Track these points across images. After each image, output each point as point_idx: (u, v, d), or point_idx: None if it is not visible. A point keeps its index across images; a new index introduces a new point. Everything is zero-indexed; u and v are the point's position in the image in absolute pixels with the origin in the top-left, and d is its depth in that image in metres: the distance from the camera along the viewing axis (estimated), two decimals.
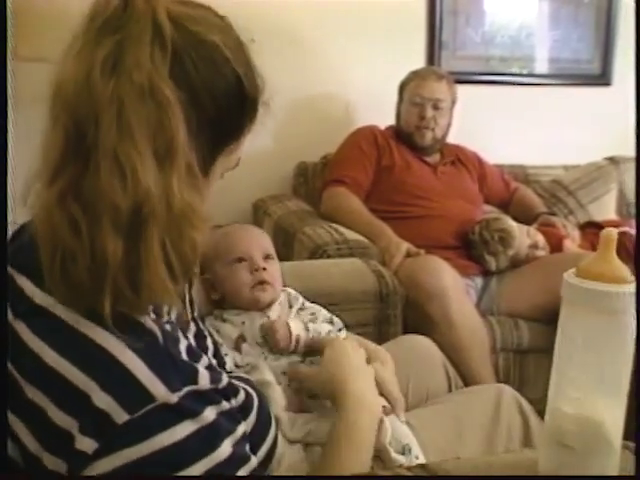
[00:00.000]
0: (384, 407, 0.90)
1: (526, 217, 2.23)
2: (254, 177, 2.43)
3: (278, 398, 0.89)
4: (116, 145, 0.58)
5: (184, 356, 0.64)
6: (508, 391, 1.12)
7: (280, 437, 0.83)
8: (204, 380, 0.62)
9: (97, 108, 0.59)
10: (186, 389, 0.60)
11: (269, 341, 0.95)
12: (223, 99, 0.66)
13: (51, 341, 0.60)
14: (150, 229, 0.59)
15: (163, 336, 0.62)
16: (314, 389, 0.91)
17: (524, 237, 2.00)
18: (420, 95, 2.17)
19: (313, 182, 2.39)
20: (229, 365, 0.91)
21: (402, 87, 2.26)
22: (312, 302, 1.08)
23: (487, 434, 1.03)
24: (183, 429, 0.59)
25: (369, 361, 0.93)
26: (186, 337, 0.71)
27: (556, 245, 2.06)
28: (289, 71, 2.39)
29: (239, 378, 0.77)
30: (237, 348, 0.96)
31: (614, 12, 2.78)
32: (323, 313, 1.05)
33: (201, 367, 0.64)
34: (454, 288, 1.73)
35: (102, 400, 0.57)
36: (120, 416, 0.57)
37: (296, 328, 0.97)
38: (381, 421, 0.87)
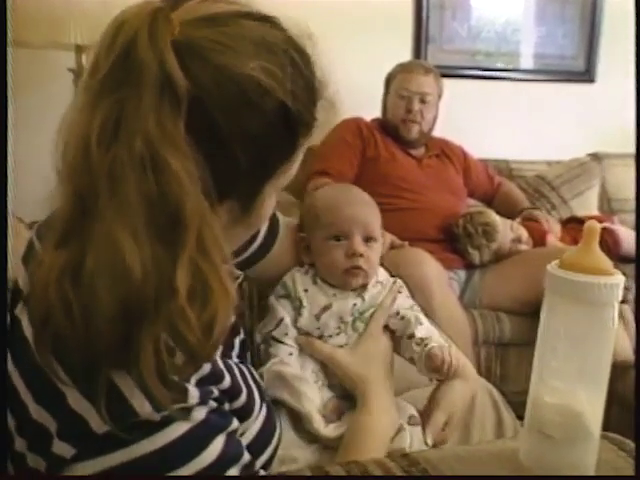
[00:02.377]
0: (412, 417, 0.90)
1: (510, 212, 2.24)
2: None
3: (311, 395, 0.85)
4: (110, 228, 0.52)
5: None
6: (479, 381, 1.12)
7: (296, 438, 0.82)
8: (193, 399, 0.59)
9: (95, 182, 0.52)
10: (173, 407, 0.57)
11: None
12: (263, 135, 0.58)
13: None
14: (143, 328, 0.52)
15: None
16: (341, 377, 0.88)
17: (507, 231, 2.02)
18: (407, 88, 2.17)
19: (297, 173, 2.38)
20: (289, 343, 0.88)
21: (388, 80, 2.26)
22: None
23: (463, 424, 1.04)
24: (172, 432, 0.57)
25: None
26: None
27: (539, 240, 2.08)
28: None
29: (246, 382, 0.73)
30: (317, 316, 0.90)
31: (599, 9, 2.80)
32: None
33: (191, 385, 0.60)
34: (437, 280, 1.74)
35: (79, 404, 0.55)
36: (99, 426, 0.55)
37: None
38: (401, 427, 0.87)
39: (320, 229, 0.93)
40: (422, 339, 0.90)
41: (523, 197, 2.40)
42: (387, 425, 0.85)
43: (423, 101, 2.17)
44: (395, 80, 2.22)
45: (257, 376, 0.80)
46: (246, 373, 0.75)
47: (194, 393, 0.60)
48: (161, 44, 0.53)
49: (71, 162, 0.54)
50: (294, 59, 0.60)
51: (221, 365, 0.67)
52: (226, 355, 0.76)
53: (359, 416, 0.84)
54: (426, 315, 0.99)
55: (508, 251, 2.01)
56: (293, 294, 0.92)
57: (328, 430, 0.83)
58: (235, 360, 0.77)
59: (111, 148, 0.52)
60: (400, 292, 0.97)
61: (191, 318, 0.53)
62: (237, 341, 0.82)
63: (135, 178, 0.52)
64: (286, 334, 0.89)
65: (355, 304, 0.91)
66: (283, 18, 0.62)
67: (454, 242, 2.03)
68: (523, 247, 2.02)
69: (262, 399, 0.75)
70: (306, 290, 0.92)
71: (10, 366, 0.59)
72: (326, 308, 0.90)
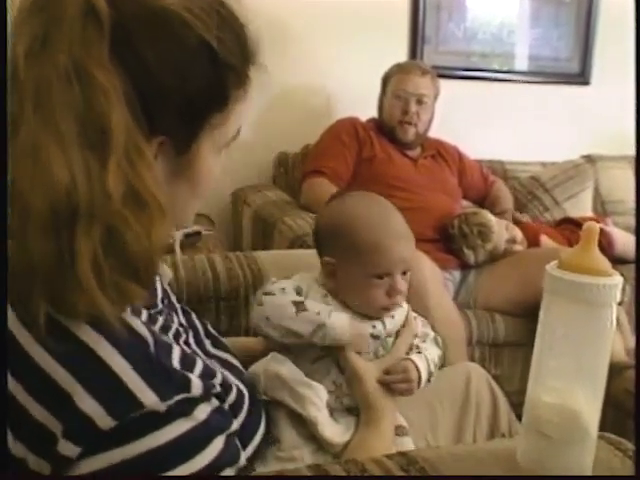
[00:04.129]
0: (401, 427, 0.89)
1: (492, 210, 2.25)
2: (234, 166, 2.41)
3: (314, 398, 0.82)
4: (34, 137, 0.53)
5: (176, 364, 0.61)
6: (476, 368, 1.12)
7: (296, 437, 0.81)
8: (196, 389, 0.60)
9: (22, 97, 0.54)
10: (177, 398, 0.58)
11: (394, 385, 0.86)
12: (187, 70, 0.60)
13: (38, 334, 0.56)
14: (76, 231, 0.53)
15: (155, 344, 0.59)
16: (358, 393, 0.86)
17: (502, 231, 2.03)
18: (404, 89, 2.17)
19: (293, 172, 2.39)
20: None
21: (385, 80, 2.26)
22: None
23: (458, 410, 1.04)
24: (174, 430, 0.58)
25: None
26: (178, 342, 0.68)
27: (533, 240, 2.09)
28: (272, 63, 2.36)
29: (233, 372, 0.74)
30: None
31: (594, 12, 2.82)
32: (430, 333, 0.96)
33: (194, 376, 0.61)
34: (432, 281, 1.74)
35: (86, 403, 0.55)
36: (105, 422, 0.55)
37: (423, 368, 0.88)
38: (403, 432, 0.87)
39: (361, 265, 0.87)
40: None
41: (509, 199, 2.40)
42: (390, 443, 0.85)
43: (420, 102, 2.17)
44: (392, 80, 2.22)
45: (236, 362, 0.80)
46: (226, 365, 0.75)
47: (197, 384, 0.60)
48: None
49: (4, 84, 0.56)
50: (221, 12, 0.63)
51: (208, 362, 0.68)
52: (199, 343, 0.77)
53: (367, 435, 0.83)
54: (421, 315, 0.99)
55: (503, 251, 2.01)
56: (304, 299, 0.87)
57: (332, 434, 0.82)
58: (211, 350, 0.78)
59: (37, 63, 0.54)
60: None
61: (129, 218, 0.55)
62: (195, 319, 0.83)
63: (60, 89, 0.54)
64: (283, 289, 0.87)
65: (374, 326, 0.88)
66: None
67: (449, 242, 2.04)
68: (518, 247, 2.03)
69: (245, 388, 0.75)
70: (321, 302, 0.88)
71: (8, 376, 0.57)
72: None
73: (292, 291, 0.88)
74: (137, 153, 0.56)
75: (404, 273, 0.89)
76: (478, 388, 1.06)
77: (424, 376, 0.88)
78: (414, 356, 0.89)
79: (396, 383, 0.86)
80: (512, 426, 1.07)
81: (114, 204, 0.54)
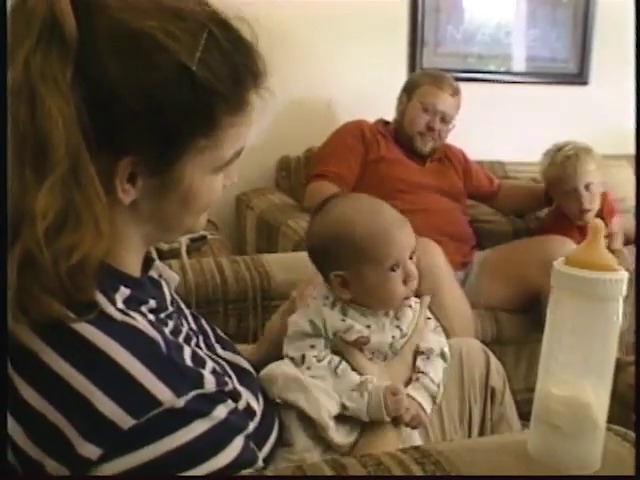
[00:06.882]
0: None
1: (525, 200, 2.36)
2: (237, 170, 2.43)
3: (331, 407, 0.83)
4: None
5: (189, 362, 0.62)
6: (468, 341, 1.16)
7: (306, 439, 0.82)
8: (210, 384, 0.62)
9: None
10: (193, 393, 0.59)
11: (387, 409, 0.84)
12: (159, 94, 0.59)
13: (52, 341, 0.58)
14: (8, 254, 0.55)
15: (166, 344, 0.61)
16: None
17: None
18: (434, 105, 2.17)
19: (296, 176, 2.41)
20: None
21: (413, 85, 2.24)
22: None
23: (457, 385, 1.06)
24: (193, 429, 0.59)
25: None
26: (189, 345, 0.69)
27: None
28: (274, 67, 2.38)
29: (245, 375, 0.76)
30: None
31: (591, 13, 2.83)
32: (435, 349, 0.93)
33: (206, 372, 0.63)
34: (446, 270, 1.76)
35: (104, 405, 0.56)
36: (125, 421, 0.56)
37: (421, 397, 0.87)
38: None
39: (373, 264, 0.87)
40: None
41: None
42: (394, 443, 0.85)
43: (444, 121, 2.19)
44: (422, 89, 2.20)
45: (248, 366, 0.81)
46: (238, 369, 0.76)
47: (210, 379, 0.62)
48: None
49: (5, 83, 0.57)
50: (213, 33, 0.61)
51: (217, 367, 0.69)
52: (210, 347, 0.78)
53: (372, 438, 0.84)
54: (432, 304, 1.00)
55: None
56: (324, 333, 0.88)
57: (341, 437, 0.83)
58: (222, 353, 0.78)
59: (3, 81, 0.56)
60: (429, 318, 0.96)
61: (49, 239, 0.56)
62: (204, 324, 0.84)
63: (14, 108, 0.56)
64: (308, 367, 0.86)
65: (394, 337, 0.90)
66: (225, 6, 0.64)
67: None
68: None
69: (259, 391, 0.77)
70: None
71: (18, 380, 0.58)
72: (362, 340, 0.88)
73: (326, 366, 0.86)
74: (85, 174, 0.57)
75: (410, 258, 0.90)
76: (469, 356, 1.08)
77: (425, 405, 0.87)
78: (410, 389, 0.88)
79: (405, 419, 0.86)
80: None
81: (36, 224, 0.55)
